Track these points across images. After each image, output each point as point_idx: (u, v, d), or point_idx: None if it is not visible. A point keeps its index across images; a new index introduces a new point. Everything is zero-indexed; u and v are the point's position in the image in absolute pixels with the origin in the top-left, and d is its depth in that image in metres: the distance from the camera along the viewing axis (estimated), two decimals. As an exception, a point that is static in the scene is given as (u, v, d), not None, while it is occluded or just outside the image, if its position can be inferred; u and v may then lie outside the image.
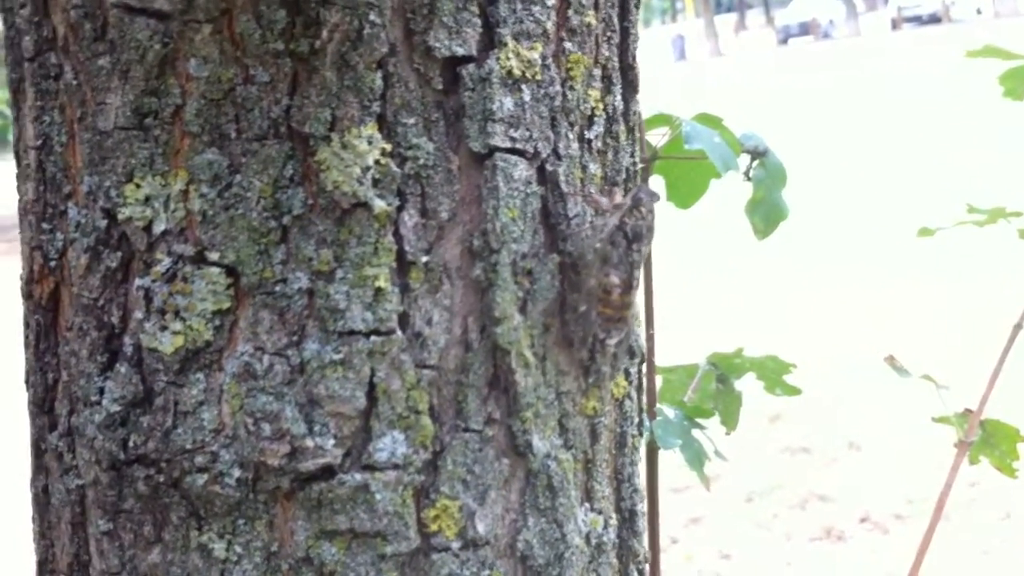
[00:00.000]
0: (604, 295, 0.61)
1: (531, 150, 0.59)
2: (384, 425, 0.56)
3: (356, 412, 0.55)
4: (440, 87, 0.57)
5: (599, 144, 0.63)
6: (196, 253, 0.56)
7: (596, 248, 0.60)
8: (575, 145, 0.61)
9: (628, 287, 0.61)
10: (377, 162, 0.56)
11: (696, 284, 4.48)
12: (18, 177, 0.60)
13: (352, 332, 0.56)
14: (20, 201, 0.60)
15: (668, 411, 1.01)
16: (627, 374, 0.68)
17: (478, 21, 0.57)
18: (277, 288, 0.56)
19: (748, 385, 1.13)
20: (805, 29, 26.33)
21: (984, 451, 1.15)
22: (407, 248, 0.57)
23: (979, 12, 24.68)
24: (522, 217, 0.59)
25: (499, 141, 0.58)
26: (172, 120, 0.55)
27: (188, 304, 0.56)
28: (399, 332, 0.56)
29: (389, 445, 0.55)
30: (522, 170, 0.59)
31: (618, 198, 0.63)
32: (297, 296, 0.56)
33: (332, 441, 0.55)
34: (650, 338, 1.05)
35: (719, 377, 1.14)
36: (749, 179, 1.02)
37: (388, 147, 0.56)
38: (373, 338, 0.56)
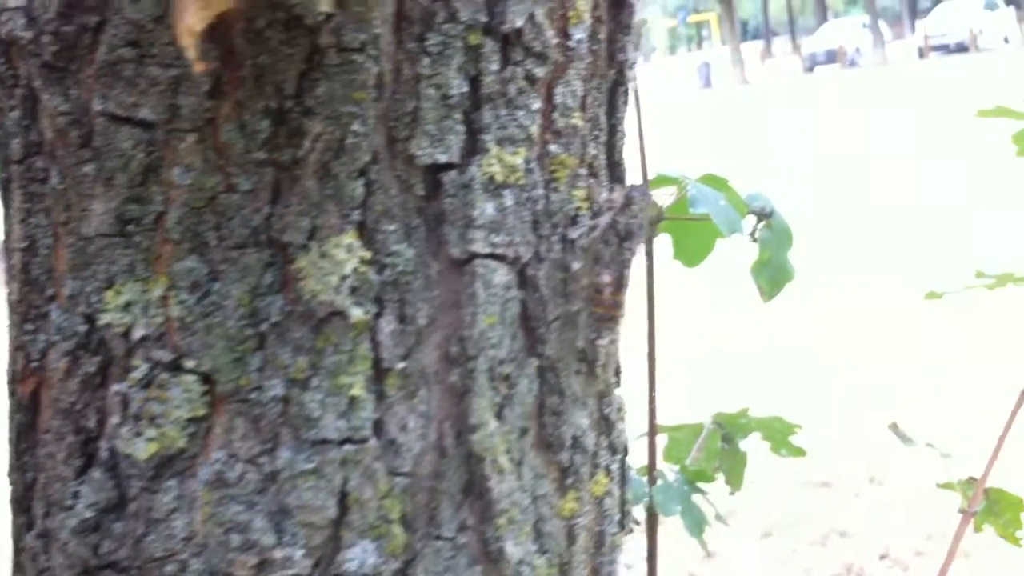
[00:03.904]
0: (596, 294, 0.61)
1: (512, 255, 0.59)
2: (355, 535, 0.56)
3: (326, 522, 0.55)
4: (422, 193, 0.57)
5: (583, 243, 0.63)
6: (173, 360, 0.56)
7: (588, 247, 0.61)
8: (557, 247, 0.61)
9: (620, 286, 0.62)
10: (355, 270, 0.56)
11: (706, 339, 4.44)
12: (7, 274, 0.61)
13: (325, 441, 0.56)
14: (8, 299, 0.61)
15: (669, 474, 1.00)
16: (608, 471, 0.67)
17: (461, 128, 0.57)
18: (252, 395, 0.56)
19: (753, 445, 1.12)
20: (832, 57, 26.28)
21: (988, 519, 1.13)
22: (384, 355, 0.57)
23: (1007, 41, 24.55)
24: (501, 322, 0.59)
25: (479, 247, 0.58)
26: (154, 227, 0.56)
27: (164, 411, 0.56)
28: (373, 440, 0.56)
29: (359, 555, 0.55)
30: (502, 275, 0.59)
31: (610, 196, 0.63)
32: (272, 403, 0.56)
33: (301, 552, 0.54)
34: (651, 400, 1.05)
35: (724, 437, 1.13)
36: (755, 240, 1.02)
37: (367, 255, 0.56)
38: (346, 447, 0.56)
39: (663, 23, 59.35)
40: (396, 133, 0.56)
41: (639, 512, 0.95)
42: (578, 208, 0.63)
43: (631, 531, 1.00)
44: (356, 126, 0.55)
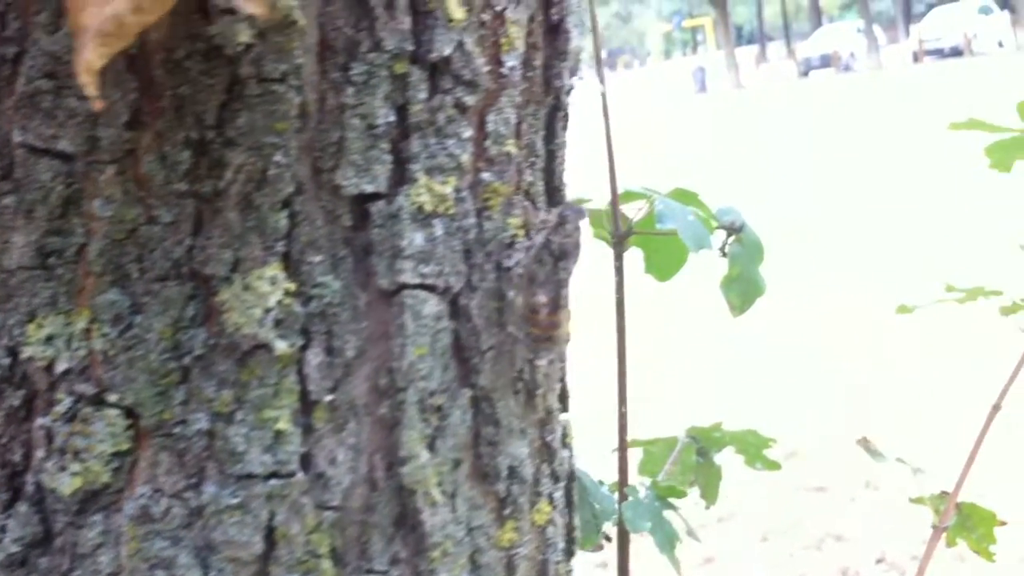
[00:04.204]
0: (532, 315, 0.61)
1: (443, 285, 0.58)
2: (282, 570, 0.55)
3: (253, 557, 0.54)
4: (349, 223, 0.56)
5: (519, 270, 0.62)
6: (96, 394, 0.55)
7: (524, 268, 0.60)
8: (491, 275, 0.61)
9: (556, 306, 0.61)
10: (280, 302, 0.55)
11: (685, 352, 4.43)
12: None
13: (250, 475, 0.55)
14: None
15: (640, 490, 0.99)
16: (550, 499, 0.67)
17: (388, 158, 0.56)
18: (176, 429, 0.55)
19: (727, 459, 1.12)
20: (826, 61, 26.32)
21: (961, 534, 1.13)
22: (311, 387, 0.56)
23: (1001, 45, 24.58)
24: (431, 353, 0.58)
25: (408, 278, 0.57)
26: (76, 259, 0.55)
27: (87, 445, 0.55)
28: (300, 474, 0.56)
29: (286, 591, 0.54)
30: (432, 306, 0.58)
31: (544, 216, 0.63)
32: (196, 438, 0.55)
33: (226, 589, 0.54)
34: (622, 416, 1.04)
35: (699, 451, 1.13)
36: (725, 255, 1.01)
37: (292, 286, 0.55)
38: (272, 481, 0.55)
39: (658, 28, 59.40)
40: (321, 164, 0.55)
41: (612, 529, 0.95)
42: (514, 235, 0.62)
43: (601, 548, 1.00)
44: (278, 157, 0.54)
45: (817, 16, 39.23)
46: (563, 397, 0.71)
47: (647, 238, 1.02)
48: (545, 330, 0.61)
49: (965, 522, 1.16)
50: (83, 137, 0.53)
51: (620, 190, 0.97)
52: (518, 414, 0.63)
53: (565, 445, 0.70)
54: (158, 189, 0.54)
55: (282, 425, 0.55)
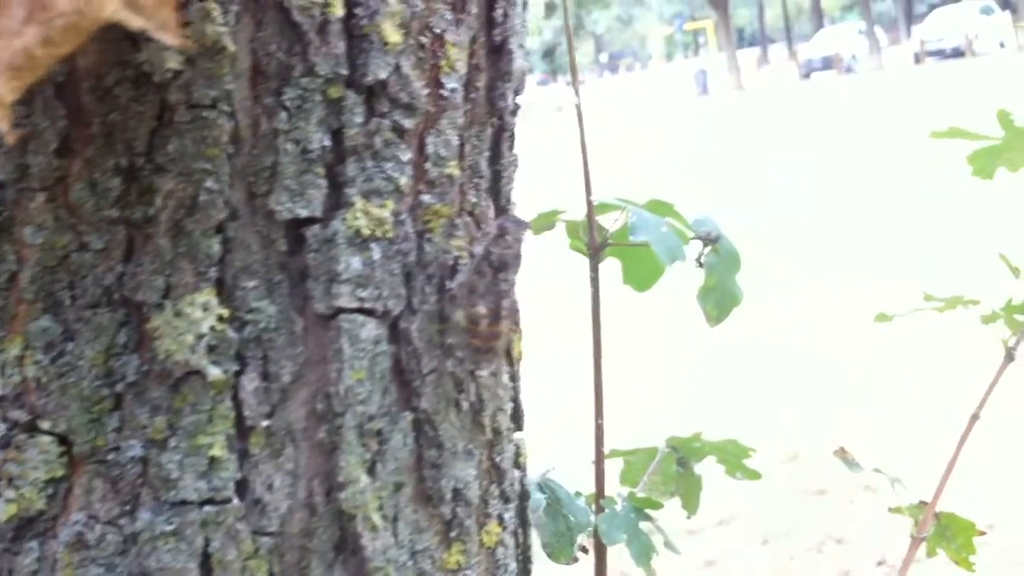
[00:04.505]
0: (472, 326, 0.60)
1: (381, 308, 0.58)
2: (218, 598, 0.54)
3: (188, 585, 0.54)
4: (284, 248, 0.56)
5: (461, 290, 0.62)
6: (29, 421, 0.55)
7: (464, 279, 0.60)
8: (432, 298, 0.60)
9: (496, 317, 0.61)
10: (213, 328, 0.55)
11: (683, 357, 4.42)
12: None
13: (184, 502, 0.54)
14: None
15: (617, 502, 0.99)
16: (500, 519, 0.66)
17: (323, 182, 0.56)
18: (110, 456, 0.55)
19: (707, 468, 1.12)
20: (828, 63, 26.30)
21: (941, 544, 1.12)
22: (247, 413, 0.56)
23: (1002, 46, 24.55)
24: (369, 378, 0.58)
25: (345, 302, 0.57)
26: (8, 286, 0.55)
27: (22, 472, 0.55)
28: (236, 500, 0.55)
29: (221, 619, 0.54)
30: (370, 329, 0.58)
31: (484, 227, 0.63)
32: (130, 464, 0.55)
33: (160, 617, 0.53)
34: (599, 428, 1.04)
35: (679, 461, 1.13)
36: (701, 266, 1.01)
37: (226, 312, 0.55)
38: (207, 508, 0.55)
39: (660, 30, 59.42)
40: (256, 188, 0.55)
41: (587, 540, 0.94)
42: (457, 257, 0.62)
43: (576, 560, 0.99)
44: (210, 183, 0.54)
45: (819, 18, 39.21)
46: (516, 416, 0.71)
47: (625, 249, 1.01)
48: (486, 341, 0.61)
49: (944, 532, 1.15)
50: (13, 164, 0.53)
51: (608, 198, 0.96)
52: (463, 436, 0.63)
53: (517, 465, 0.70)
54: (89, 216, 0.54)
55: (216, 451, 0.55)
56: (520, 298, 0.65)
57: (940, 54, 24.27)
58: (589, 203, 1.01)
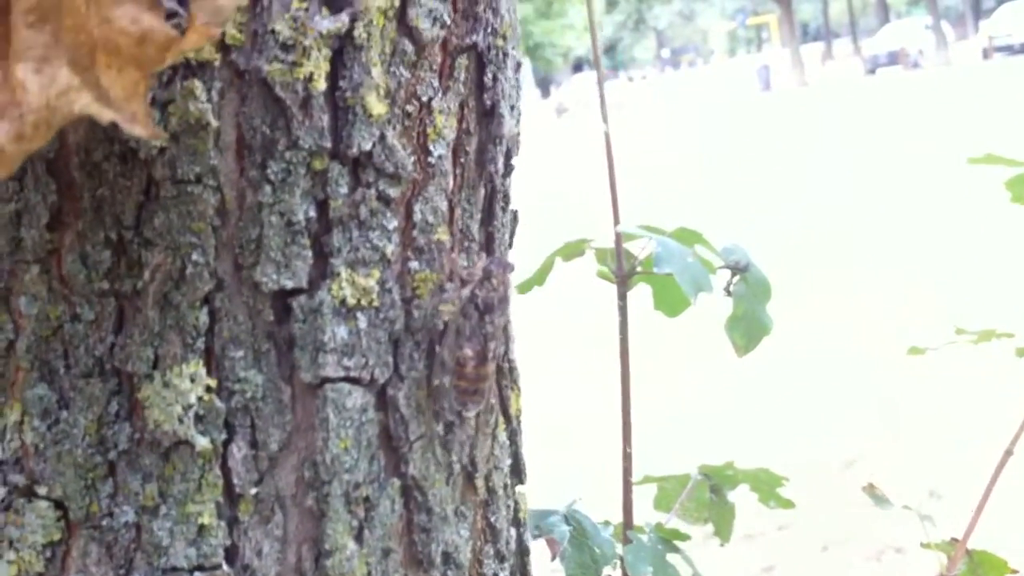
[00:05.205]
0: (459, 368, 0.61)
1: (367, 377, 0.58)
2: (206, 663, 0.56)
3: (177, 650, 0.55)
4: (271, 318, 0.57)
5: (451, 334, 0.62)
6: (27, 485, 0.56)
7: (449, 321, 0.61)
8: (421, 364, 0.61)
9: (483, 359, 0.62)
10: (200, 399, 0.56)
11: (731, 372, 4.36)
12: None
13: (175, 569, 0.56)
14: None
15: (643, 534, 0.99)
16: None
17: (308, 253, 0.57)
18: (104, 522, 0.56)
19: (741, 497, 1.11)
20: (894, 59, 25.75)
21: (972, 582, 1.10)
22: (235, 481, 0.57)
23: (1076, 40, 23.79)
24: (356, 446, 0.58)
25: (331, 371, 0.57)
26: (7, 354, 0.56)
27: (21, 535, 0.56)
28: (225, 567, 0.56)
29: None
30: (356, 398, 0.58)
31: (471, 269, 0.63)
32: (124, 530, 0.56)
33: None
34: (626, 456, 1.04)
35: (712, 488, 1.12)
36: (730, 295, 1.00)
37: (213, 383, 0.56)
38: (197, 574, 0.56)
39: (722, 26, 58.77)
40: (242, 260, 0.56)
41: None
42: (446, 322, 0.62)
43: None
44: (196, 255, 0.55)
45: (884, 12, 38.43)
46: (517, 471, 0.71)
47: (655, 275, 1.01)
48: (472, 383, 0.61)
49: (975, 569, 1.13)
50: (7, 237, 0.55)
51: (633, 228, 0.96)
52: (454, 499, 0.63)
53: (516, 522, 0.70)
54: (80, 287, 0.55)
55: (206, 519, 0.56)
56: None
57: (1009, 50, 23.60)
58: (617, 234, 1.00)
